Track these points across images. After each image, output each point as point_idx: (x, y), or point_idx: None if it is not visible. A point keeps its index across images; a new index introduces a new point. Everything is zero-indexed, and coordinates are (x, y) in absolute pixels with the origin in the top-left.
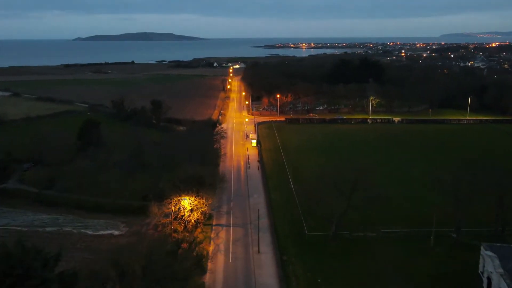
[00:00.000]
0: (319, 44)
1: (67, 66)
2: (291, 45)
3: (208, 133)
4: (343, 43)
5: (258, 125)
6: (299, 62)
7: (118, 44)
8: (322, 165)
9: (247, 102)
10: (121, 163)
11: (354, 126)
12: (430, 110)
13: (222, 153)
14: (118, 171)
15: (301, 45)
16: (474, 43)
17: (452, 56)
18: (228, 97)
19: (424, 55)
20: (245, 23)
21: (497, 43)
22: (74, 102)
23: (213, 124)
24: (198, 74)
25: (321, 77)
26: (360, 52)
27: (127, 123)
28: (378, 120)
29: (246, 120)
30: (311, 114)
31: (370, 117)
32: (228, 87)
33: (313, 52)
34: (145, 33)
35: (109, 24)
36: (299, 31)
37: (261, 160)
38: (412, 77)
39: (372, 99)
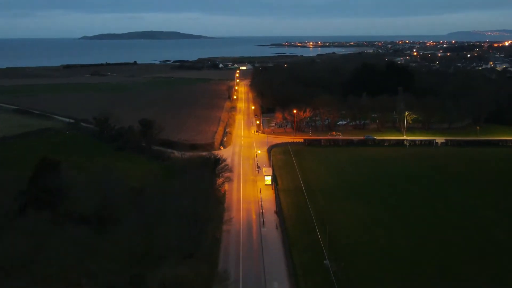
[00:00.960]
0: (327, 43)
1: (67, 67)
2: (298, 44)
3: (208, 178)
4: (351, 42)
5: (271, 150)
6: (311, 66)
7: (123, 43)
8: (365, 221)
9: (257, 121)
10: (76, 232)
11: (389, 150)
12: (478, 127)
13: (227, 218)
14: (69, 246)
15: (308, 44)
16: (486, 41)
17: (468, 56)
18: (234, 108)
19: (439, 54)
20: (251, 21)
21: (509, 42)
22: (56, 116)
23: (215, 161)
24: (202, 77)
25: (341, 85)
26: (369, 52)
27: (112, 147)
28: (417, 142)
29: (257, 151)
30: (333, 133)
31: (406, 137)
32: (235, 97)
33: (321, 51)
34: (151, 31)
35: (115, 23)
36: (304, 30)
37: (279, 211)
38: (449, 84)
39: (407, 115)
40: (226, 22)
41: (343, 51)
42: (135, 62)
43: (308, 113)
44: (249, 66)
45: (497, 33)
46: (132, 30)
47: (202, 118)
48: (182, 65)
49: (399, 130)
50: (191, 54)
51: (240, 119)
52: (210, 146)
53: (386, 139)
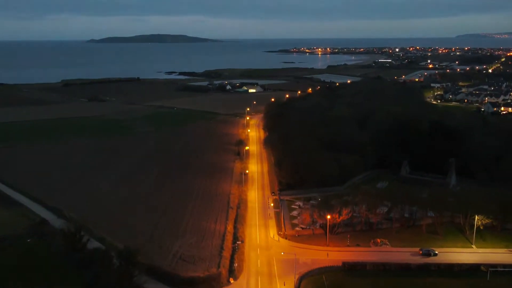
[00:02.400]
0: (335, 49)
1: (66, 84)
2: (307, 50)
3: None
4: (360, 48)
5: (301, 282)
6: (331, 111)
7: (130, 46)
8: None
9: (276, 208)
10: None
11: (460, 283)
12: None
13: None
14: None
15: (317, 50)
16: (500, 49)
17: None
18: (245, 174)
19: (458, 69)
20: (257, 24)
21: None
22: (23, 197)
23: None
24: (208, 109)
25: (373, 144)
26: (381, 61)
27: (79, 277)
28: (498, 269)
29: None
30: (378, 240)
31: (475, 247)
32: (246, 148)
33: (330, 60)
34: (158, 35)
35: (122, 26)
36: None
37: None
38: None
39: (477, 220)
40: (232, 24)
41: (352, 58)
42: (138, 78)
43: (344, 216)
44: (259, 89)
45: (506, 36)
46: (139, 33)
47: (204, 201)
48: (188, 85)
49: (462, 232)
50: (198, 63)
51: (253, 199)
52: (215, 280)
53: (455, 264)
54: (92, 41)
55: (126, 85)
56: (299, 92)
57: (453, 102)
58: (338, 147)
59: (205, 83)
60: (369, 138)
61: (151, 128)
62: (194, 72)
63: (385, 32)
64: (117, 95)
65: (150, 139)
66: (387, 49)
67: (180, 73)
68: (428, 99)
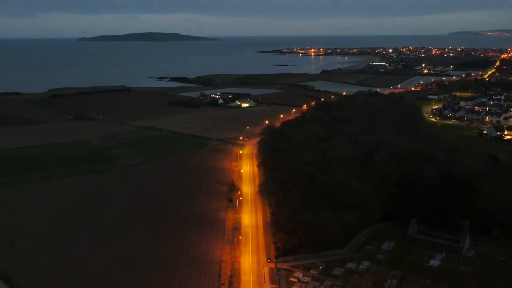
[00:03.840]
0: (329, 49)
1: (53, 96)
2: (300, 51)
3: None
4: (353, 49)
5: None
6: (328, 144)
7: (122, 45)
8: None
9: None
10: None
11: None
12: None
13: None
14: None
15: (310, 50)
16: (494, 50)
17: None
18: (238, 242)
19: (454, 77)
20: (250, 22)
21: None
22: None
23: None
24: (199, 133)
25: (378, 198)
26: (375, 64)
27: None
28: None
29: None
30: None
31: None
32: (239, 192)
33: (323, 63)
34: (150, 33)
35: (114, 24)
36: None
37: None
38: None
39: None
40: (224, 22)
41: (346, 60)
42: (127, 88)
43: None
44: (252, 103)
45: (497, 33)
46: (131, 31)
47: (193, 272)
48: (179, 98)
49: None
50: (190, 66)
51: (247, 268)
52: None
53: None
54: (84, 39)
55: (114, 96)
56: (293, 110)
57: (453, 120)
58: (339, 200)
59: (196, 94)
60: (372, 188)
61: (139, 159)
62: (186, 78)
63: (378, 29)
64: (105, 110)
65: (137, 175)
66: (380, 50)
67: (172, 79)
68: (426, 114)
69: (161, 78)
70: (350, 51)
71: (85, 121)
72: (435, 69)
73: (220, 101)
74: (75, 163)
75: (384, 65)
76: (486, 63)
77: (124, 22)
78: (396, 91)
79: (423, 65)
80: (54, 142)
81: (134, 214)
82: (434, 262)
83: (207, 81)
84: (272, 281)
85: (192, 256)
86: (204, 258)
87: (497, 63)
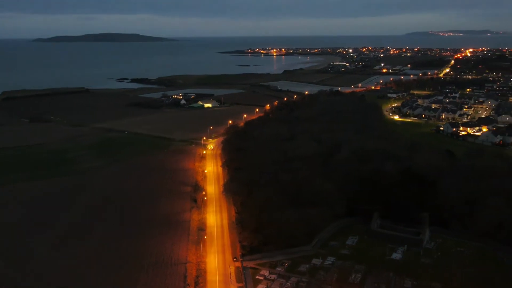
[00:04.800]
0: (290, 49)
1: (7, 99)
2: (262, 51)
3: None
4: (314, 49)
5: None
6: (292, 143)
7: (80, 46)
8: None
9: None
10: None
11: None
12: None
13: None
14: None
15: (272, 51)
16: (448, 50)
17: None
18: (203, 242)
19: (411, 76)
20: (212, 22)
21: (470, 51)
22: None
23: None
24: (162, 134)
25: (342, 193)
26: (336, 64)
27: None
28: None
29: None
30: None
31: None
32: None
33: (285, 63)
34: (109, 33)
35: (70, 25)
36: (263, 30)
37: None
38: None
39: None
40: (185, 23)
41: (307, 60)
42: (87, 90)
43: None
44: (215, 103)
45: (451, 34)
46: (89, 32)
47: (158, 274)
48: (140, 99)
49: None
50: (151, 67)
51: (213, 268)
52: None
53: None
54: (39, 40)
55: (73, 98)
56: (256, 110)
57: (411, 118)
58: (303, 197)
59: (158, 95)
60: (335, 185)
61: (99, 162)
62: (147, 79)
63: (338, 30)
64: (63, 112)
65: (98, 179)
66: (341, 50)
67: (133, 80)
68: (386, 112)
69: (122, 80)
70: (312, 51)
71: (42, 124)
72: (394, 68)
73: (183, 101)
74: (31, 168)
75: (345, 64)
76: (441, 63)
77: (81, 23)
78: (357, 90)
79: (382, 64)
80: (8, 147)
81: (95, 217)
82: (396, 255)
83: (169, 82)
84: (239, 280)
85: (156, 257)
86: (169, 259)
87: (452, 62)
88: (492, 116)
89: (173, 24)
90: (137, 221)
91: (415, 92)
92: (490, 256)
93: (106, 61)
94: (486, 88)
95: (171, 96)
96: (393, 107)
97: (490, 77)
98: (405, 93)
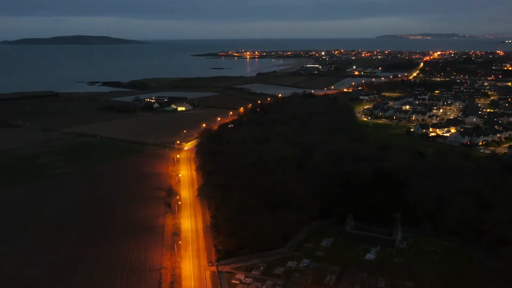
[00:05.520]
0: (263, 52)
1: None
2: (235, 54)
3: None
4: (287, 51)
5: None
6: (268, 146)
7: (49, 49)
8: None
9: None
10: None
11: None
12: None
13: None
14: None
15: (245, 53)
16: (417, 52)
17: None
18: (178, 248)
19: (383, 78)
20: (186, 24)
21: (438, 53)
22: None
23: None
24: (135, 138)
25: (316, 197)
26: (309, 66)
27: None
28: None
29: None
30: None
31: None
32: (178, 200)
33: (259, 66)
34: (79, 36)
35: (38, 27)
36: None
37: None
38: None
39: None
40: (157, 25)
41: (281, 63)
42: (56, 93)
43: None
44: (188, 107)
45: (420, 37)
46: (58, 34)
47: (132, 281)
48: (112, 103)
49: None
50: (123, 70)
51: (188, 273)
52: None
53: None
54: (5, 42)
55: (42, 102)
56: (230, 113)
57: (383, 119)
58: (278, 200)
59: (131, 98)
60: (310, 187)
61: (70, 168)
62: (119, 82)
63: (310, 33)
64: (32, 117)
65: (69, 184)
66: (313, 52)
67: (104, 83)
68: (359, 114)
69: (93, 83)
70: (285, 54)
71: (9, 129)
72: (365, 70)
73: (156, 105)
74: (2, 174)
75: (318, 67)
76: (411, 65)
77: (49, 25)
78: (330, 92)
79: (354, 67)
80: None
81: (67, 224)
82: (370, 256)
83: (141, 85)
84: (214, 285)
85: (130, 264)
86: (144, 265)
87: (421, 65)
88: (459, 117)
89: (144, 26)
90: (110, 227)
91: (386, 94)
92: (460, 254)
93: (76, 64)
94: (454, 90)
95: (144, 100)
96: (365, 109)
97: (458, 79)
98: (376, 95)
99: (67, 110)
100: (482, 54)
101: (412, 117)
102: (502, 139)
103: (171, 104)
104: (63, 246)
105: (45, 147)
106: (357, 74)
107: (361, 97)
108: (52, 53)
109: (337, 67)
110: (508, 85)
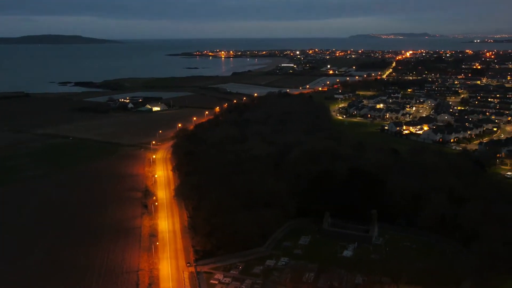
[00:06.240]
0: (239, 51)
1: None
2: (210, 54)
3: None
4: (262, 51)
5: None
6: (245, 145)
7: (17, 48)
8: None
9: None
10: None
11: None
12: None
13: None
14: None
15: (220, 53)
16: (390, 52)
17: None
18: (155, 249)
19: (357, 77)
20: (159, 24)
21: (402, 55)
22: None
23: None
24: (110, 139)
25: (294, 195)
26: (284, 66)
27: None
28: None
29: None
30: None
31: None
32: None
33: (234, 66)
34: (50, 35)
35: (8, 26)
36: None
37: None
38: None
39: None
40: (129, 25)
41: (256, 62)
42: (27, 94)
43: None
44: (163, 107)
45: (392, 37)
46: (27, 33)
47: (108, 284)
48: (85, 103)
49: None
50: (96, 70)
51: (166, 274)
52: None
53: None
54: None
55: (12, 103)
56: (206, 113)
57: (358, 118)
58: (255, 199)
59: (104, 98)
60: (287, 186)
61: (43, 170)
62: (92, 83)
63: (284, 32)
64: (1, 118)
65: (42, 187)
66: (288, 52)
67: (76, 84)
68: (334, 113)
69: (64, 83)
70: (260, 53)
71: None
72: (340, 69)
73: (130, 105)
74: None
75: (293, 66)
76: (384, 64)
77: (17, 24)
78: (305, 91)
79: (328, 66)
80: None
81: (41, 227)
82: (347, 253)
83: (115, 85)
84: (193, 285)
85: (107, 266)
86: (120, 267)
87: (394, 64)
88: (432, 115)
89: (117, 26)
90: (85, 230)
91: (361, 93)
92: (435, 249)
93: (47, 64)
94: (426, 88)
95: (118, 100)
96: (340, 107)
97: (429, 78)
98: (351, 94)
99: (39, 111)
100: (452, 53)
101: (386, 115)
102: (473, 136)
103: (146, 104)
104: (36, 251)
105: (16, 149)
106: (331, 73)
107: (336, 96)
108: (21, 53)
109: (312, 66)
110: (477, 84)
